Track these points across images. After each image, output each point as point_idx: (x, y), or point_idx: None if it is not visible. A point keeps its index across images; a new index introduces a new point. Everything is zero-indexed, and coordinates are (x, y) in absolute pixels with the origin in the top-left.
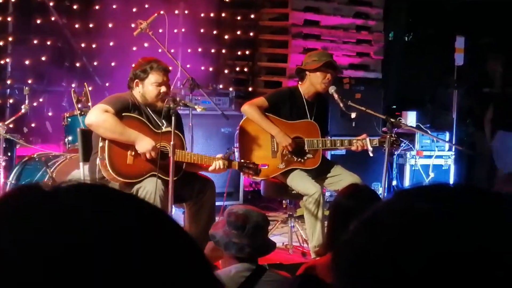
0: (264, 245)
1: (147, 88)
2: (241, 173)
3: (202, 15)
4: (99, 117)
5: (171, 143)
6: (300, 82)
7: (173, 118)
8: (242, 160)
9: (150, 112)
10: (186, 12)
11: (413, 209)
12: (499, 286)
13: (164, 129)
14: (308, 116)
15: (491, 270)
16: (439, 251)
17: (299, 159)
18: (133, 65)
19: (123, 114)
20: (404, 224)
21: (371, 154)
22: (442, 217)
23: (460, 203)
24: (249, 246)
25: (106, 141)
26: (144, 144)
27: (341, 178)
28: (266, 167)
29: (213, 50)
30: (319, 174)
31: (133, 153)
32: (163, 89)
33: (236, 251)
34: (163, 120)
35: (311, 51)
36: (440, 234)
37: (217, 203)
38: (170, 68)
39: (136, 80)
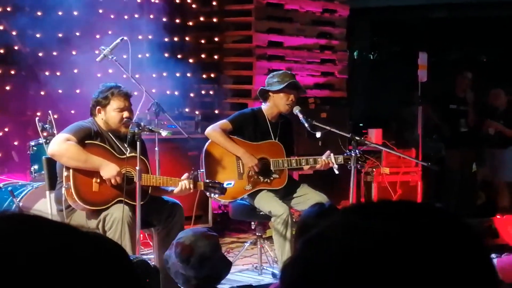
0: (212, 276)
1: (110, 114)
2: (207, 194)
3: (166, 39)
4: (61, 147)
5: (137, 168)
6: (263, 103)
7: (138, 143)
8: (207, 180)
9: (113, 138)
10: (150, 37)
11: (356, 226)
12: None
13: (128, 155)
14: (272, 136)
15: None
16: (380, 267)
17: (266, 180)
18: (94, 92)
19: (86, 141)
20: (346, 241)
21: (336, 172)
22: (383, 234)
23: (399, 220)
24: (195, 278)
25: (71, 170)
26: (109, 170)
27: (308, 198)
28: (232, 184)
29: (178, 74)
30: (286, 194)
31: (98, 180)
32: (125, 114)
33: (182, 282)
34: (126, 146)
35: (274, 72)
36: (380, 251)
37: (186, 227)
38: (136, 93)
39: (98, 107)
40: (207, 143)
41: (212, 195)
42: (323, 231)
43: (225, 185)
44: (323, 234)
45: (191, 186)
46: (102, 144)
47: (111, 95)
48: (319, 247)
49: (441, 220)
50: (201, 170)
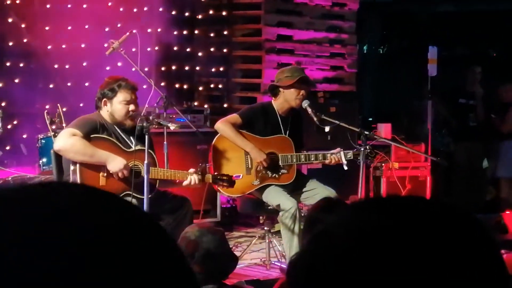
0: (217, 271)
1: (116, 107)
2: (216, 187)
3: (175, 33)
4: (67, 142)
5: (145, 162)
6: (273, 98)
7: (146, 137)
8: (215, 173)
9: (119, 131)
10: (159, 30)
11: (363, 223)
12: None
13: (134, 148)
14: (283, 131)
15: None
16: (387, 264)
17: (274, 175)
18: (101, 85)
19: (92, 135)
20: (353, 238)
21: (345, 168)
22: (391, 230)
23: (407, 217)
24: (200, 273)
25: (77, 164)
26: (116, 164)
27: (317, 192)
28: (240, 177)
29: (187, 68)
30: (295, 188)
31: (105, 174)
32: (131, 107)
33: None
34: (132, 139)
35: (284, 67)
36: (386, 248)
37: (194, 221)
38: (145, 86)
39: (104, 99)
40: (215, 137)
41: (220, 187)
42: (330, 227)
43: (234, 178)
44: (330, 230)
45: (199, 178)
46: (109, 138)
47: (118, 88)
48: (326, 243)
49: (450, 216)
50: (210, 164)
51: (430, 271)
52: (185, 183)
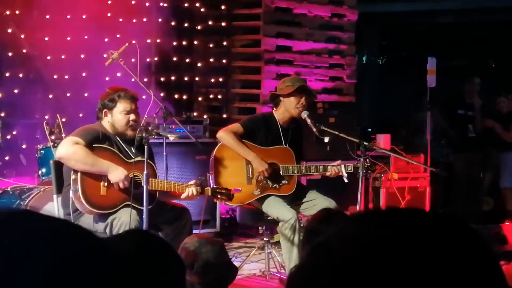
0: (216, 282)
1: (116, 117)
2: (215, 199)
3: (175, 43)
4: (69, 150)
5: (145, 172)
6: (274, 108)
7: (145, 147)
8: (214, 186)
9: (121, 142)
10: (158, 40)
11: (362, 235)
12: None
13: (135, 159)
14: (283, 142)
15: None
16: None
17: (274, 185)
18: (101, 95)
19: (94, 145)
20: (353, 250)
21: (346, 180)
22: (390, 242)
23: (407, 229)
24: (199, 283)
25: (79, 173)
26: (117, 174)
27: (316, 203)
28: (239, 191)
29: (186, 78)
30: (295, 199)
31: (106, 183)
32: (132, 117)
33: None
34: (132, 149)
35: (285, 77)
36: (387, 260)
37: (194, 231)
38: (144, 97)
39: (105, 110)
40: (216, 147)
41: (219, 201)
42: (330, 239)
43: (232, 192)
44: (329, 242)
45: (199, 191)
46: (110, 148)
47: (118, 98)
48: (325, 255)
49: (449, 227)
50: (210, 172)
51: (429, 283)
52: (183, 195)
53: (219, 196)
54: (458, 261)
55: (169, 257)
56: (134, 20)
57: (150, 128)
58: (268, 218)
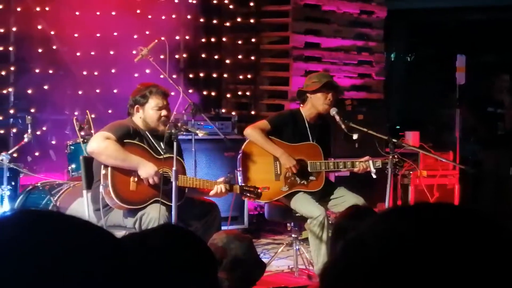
0: (245, 278)
1: (148, 113)
2: (243, 197)
3: (203, 40)
4: (100, 145)
5: (173, 168)
6: (302, 105)
7: (174, 143)
8: (243, 184)
9: (151, 138)
10: (187, 37)
11: (397, 232)
12: None
13: (165, 155)
14: (310, 138)
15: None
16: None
17: (303, 182)
18: (133, 91)
19: (125, 141)
20: (388, 247)
21: (374, 176)
22: (420, 238)
23: (437, 224)
24: (227, 279)
25: (109, 168)
26: (147, 169)
27: (345, 200)
28: (267, 189)
29: (215, 75)
30: (323, 196)
31: (135, 179)
32: (163, 112)
33: None
34: (162, 145)
35: (312, 73)
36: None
37: (222, 228)
38: (173, 93)
39: (136, 106)
40: (244, 144)
41: (247, 199)
42: (363, 235)
43: (260, 190)
44: (363, 239)
45: (227, 189)
46: (141, 144)
47: (150, 94)
48: (359, 252)
49: (482, 224)
50: (239, 169)
51: (463, 279)
52: (212, 192)
53: (247, 194)
54: (489, 258)
55: (203, 253)
56: (163, 17)
57: (179, 124)
58: (297, 214)
